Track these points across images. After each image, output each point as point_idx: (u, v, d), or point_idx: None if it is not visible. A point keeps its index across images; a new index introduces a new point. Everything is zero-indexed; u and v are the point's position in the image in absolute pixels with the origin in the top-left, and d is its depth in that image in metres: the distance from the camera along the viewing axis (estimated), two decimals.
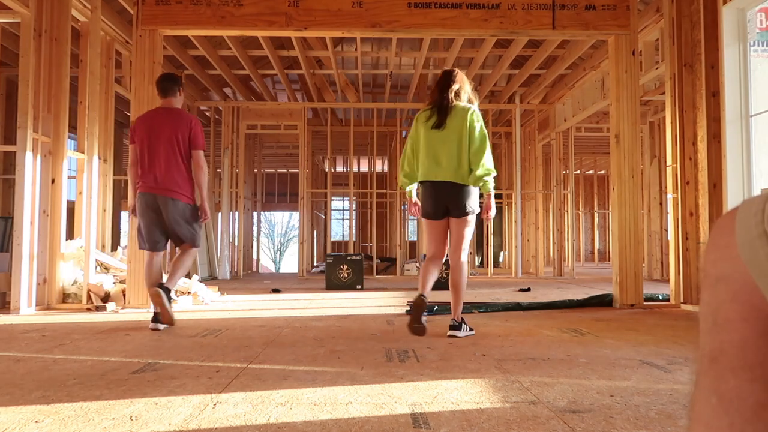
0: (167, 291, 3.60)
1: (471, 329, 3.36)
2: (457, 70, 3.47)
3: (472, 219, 3.32)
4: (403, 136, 11.00)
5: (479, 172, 3.21)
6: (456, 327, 3.27)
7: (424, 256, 7.21)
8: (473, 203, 3.30)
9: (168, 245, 3.86)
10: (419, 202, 3.45)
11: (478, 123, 3.27)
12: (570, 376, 2.26)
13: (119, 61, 6.63)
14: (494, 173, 3.28)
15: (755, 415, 0.45)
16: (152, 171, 3.63)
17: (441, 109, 3.31)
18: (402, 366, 2.47)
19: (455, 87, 3.35)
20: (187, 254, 3.76)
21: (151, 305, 3.65)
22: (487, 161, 3.24)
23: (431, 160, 3.28)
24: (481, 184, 3.26)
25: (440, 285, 6.73)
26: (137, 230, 3.80)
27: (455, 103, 3.32)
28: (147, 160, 3.65)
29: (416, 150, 3.38)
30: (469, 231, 3.35)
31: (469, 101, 3.41)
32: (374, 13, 4.84)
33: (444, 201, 3.29)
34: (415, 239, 12.55)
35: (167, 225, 3.67)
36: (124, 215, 9.90)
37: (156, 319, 3.55)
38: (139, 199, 3.67)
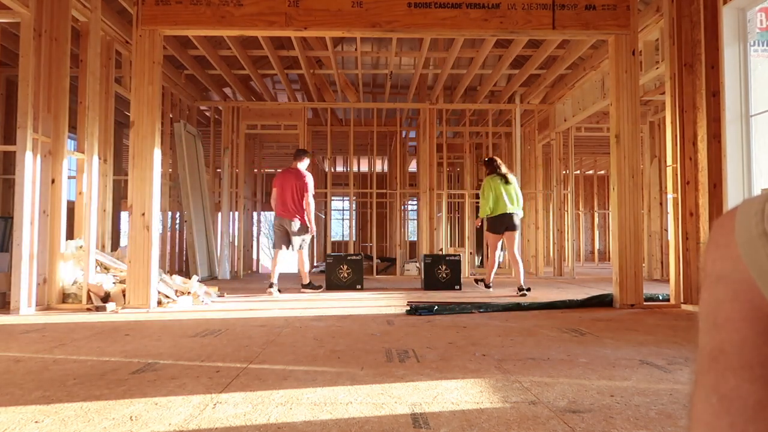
0: (306, 285, 6.41)
1: (528, 289, 5.90)
2: (497, 157, 6.48)
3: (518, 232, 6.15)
4: (403, 136, 11.01)
5: (520, 208, 6.15)
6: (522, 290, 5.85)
7: (425, 256, 7.50)
8: (520, 223, 6.13)
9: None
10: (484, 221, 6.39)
11: (518, 185, 6.19)
12: (570, 376, 2.26)
13: (119, 61, 6.63)
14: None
15: (756, 414, 0.45)
16: (281, 205, 6.21)
17: (503, 176, 6.08)
18: (402, 366, 2.47)
19: (504, 167, 6.18)
20: (299, 257, 6.29)
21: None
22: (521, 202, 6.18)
23: (506, 201, 5.98)
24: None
25: (440, 285, 6.79)
26: (274, 236, 6.42)
27: (508, 173, 6.15)
28: (281, 198, 6.21)
29: (494, 195, 6.00)
30: (518, 237, 6.12)
31: (509, 171, 6.33)
32: (374, 13, 4.84)
33: (506, 223, 5.99)
34: (415, 239, 12.55)
35: (289, 235, 6.24)
36: (124, 215, 9.89)
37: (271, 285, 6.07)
38: (275, 221, 6.34)
